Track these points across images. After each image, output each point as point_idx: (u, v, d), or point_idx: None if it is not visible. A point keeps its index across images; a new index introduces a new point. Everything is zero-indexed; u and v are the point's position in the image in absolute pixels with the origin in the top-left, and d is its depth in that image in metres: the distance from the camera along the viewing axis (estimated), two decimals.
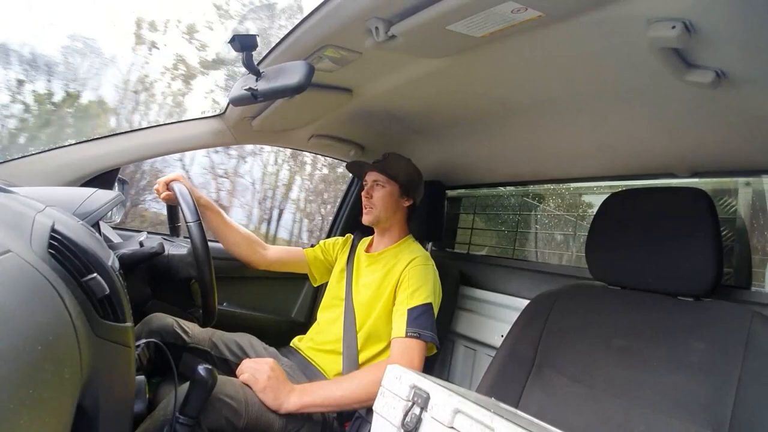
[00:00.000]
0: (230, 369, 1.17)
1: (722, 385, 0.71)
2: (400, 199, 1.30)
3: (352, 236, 1.46)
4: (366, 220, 1.30)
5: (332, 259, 1.43)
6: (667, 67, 0.69)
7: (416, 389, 0.58)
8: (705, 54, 0.66)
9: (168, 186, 1.10)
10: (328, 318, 1.28)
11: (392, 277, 1.19)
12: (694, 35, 0.61)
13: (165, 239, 1.07)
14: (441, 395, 0.55)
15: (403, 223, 1.34)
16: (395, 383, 0.61)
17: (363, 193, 1.30)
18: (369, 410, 0.97)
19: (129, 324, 0.57)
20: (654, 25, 0.62)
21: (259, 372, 0.97)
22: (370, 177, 1.30)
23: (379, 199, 1.28)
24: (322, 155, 1.77)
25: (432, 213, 1.59)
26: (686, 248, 0.82)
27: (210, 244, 0.97)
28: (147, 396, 0.74)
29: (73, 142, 1.20)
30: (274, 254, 1.39)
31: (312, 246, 1.48)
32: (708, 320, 0.79)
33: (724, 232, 1.02)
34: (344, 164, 1.59)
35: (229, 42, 0.77)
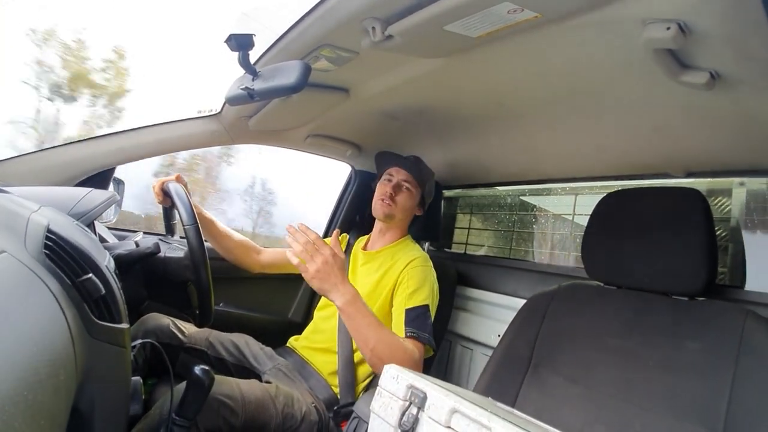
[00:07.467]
0: (227, 369, 1.17)
1: (717, 384, 0.71)
2: (417, 207, 1.33)
3: (348, 236, 1.46)
4: (381, 212, 1.28)
5: None
6: (661, 67, 0.70)
7: (413, 389, 0.58)
8: (699, 55, 0.66)
9: (164, 186, 1.10)
10: (323, 316, 1.28)
11: (390, 276, 1.19)
12: (689, 36, 0.61)
13: (161, 240, 1.07)
14: (438, 395, 0.55)
15: (405, 225, 1.35)
16: (392, 383, 0.61)
17: (388, 187, 1.28)
18: (366, 410, 0.96)
19: (125, 325, 0.57)
20: (649, 26, 0.62)
21: (314, 260, 0.91)
22: (400, 175, 1.30)
23: (402, 201, 1.28)
24: (318, 155, 1.77)
25: (429, 213, 1.59)
26: (681, 248, 0.82)
27: (206, 244, 0.96)
28: (143, 397, 0.73)
29: (68, 141, 1.19)
30: (269, 258, 1.40)
31: None
32: (702, 320, 0.79)
33: (718, 232, 1.03)
34: None
35: (225, 41, 0.77)
